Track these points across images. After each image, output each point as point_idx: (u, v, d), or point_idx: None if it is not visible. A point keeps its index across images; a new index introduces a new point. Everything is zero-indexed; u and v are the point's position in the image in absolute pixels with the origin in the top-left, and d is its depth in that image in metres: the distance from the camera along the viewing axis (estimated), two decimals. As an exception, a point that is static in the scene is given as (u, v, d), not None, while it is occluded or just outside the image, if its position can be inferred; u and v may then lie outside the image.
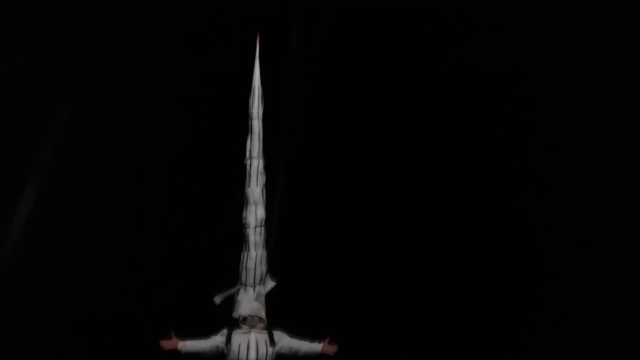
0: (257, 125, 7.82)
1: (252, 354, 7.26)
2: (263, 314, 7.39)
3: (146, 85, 9.02)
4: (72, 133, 8.98)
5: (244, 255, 7.56)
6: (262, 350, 7.29)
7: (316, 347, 7.42)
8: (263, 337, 7.31)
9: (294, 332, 7.43)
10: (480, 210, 9.18)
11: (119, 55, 9.07)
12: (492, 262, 9.06)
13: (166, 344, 7.34)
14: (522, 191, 9.20)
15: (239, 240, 7.57)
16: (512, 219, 9.17)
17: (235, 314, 7.39)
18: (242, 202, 7.67)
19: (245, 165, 7.75)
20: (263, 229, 7.63)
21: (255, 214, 7.62)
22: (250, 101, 7.88)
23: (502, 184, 9.10)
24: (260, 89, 7.92)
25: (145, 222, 8.92)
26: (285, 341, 7.38)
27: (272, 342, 7.32)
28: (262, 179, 7.71)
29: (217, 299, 7.51)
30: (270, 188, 7.76)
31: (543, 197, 9.17)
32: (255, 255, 7.53)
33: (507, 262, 9.08)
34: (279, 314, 7.54)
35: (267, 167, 7.74)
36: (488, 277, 9.05)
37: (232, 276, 7.55)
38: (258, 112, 7.84)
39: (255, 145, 7.79)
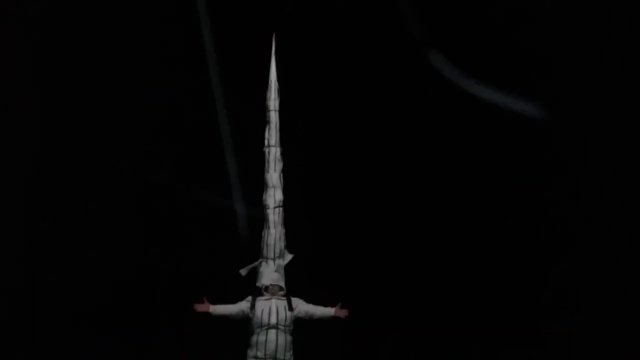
0: (274, 116, 8.08)
1: (273, 318, 7.58)
2: (282, 283, 7.71)
3: (177, 84, 9.16)
4: (104, 126, 9.02)
5: (264, 232, 7.85)
6: (282, 314, 7.62)
7: (329, 311, 7.74)
8: (282, 303, 7.64)
9: (309, 299, 7.76)
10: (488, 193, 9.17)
11: (144, 54, 9.08)
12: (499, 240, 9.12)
13: (199, 307, 7.67)
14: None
15: (261, 219, 7.89)
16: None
17: (258, 284, 7.73)
18: (262, 186, 7.94)
19: (264, 152, 8.03)
20: (281, 209, 7.88)
21: (274, 196, 7.89)
22: (268, 95, 8.14)
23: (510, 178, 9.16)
24: (277, 84, 8.15)
25: (181, 205, 9.08)
26: (302, 306, 7.70)
27: (291, 307, 7.65)
28: (279, 165, 7.99)
29: (243, 271, 7.83)
30: (286, 173, 7.97)
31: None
32: (274, 233, 7.80)
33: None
34: (297, 282, 7.82)
35: (283, 154, 8.02)
36: (494, 251, 9.12)
37: (255, 251, 7.85)
38: (275, 105, 8.11)
39: (273, 134, 8.05)
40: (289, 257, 7.87)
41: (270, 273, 7.75)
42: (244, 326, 7.70)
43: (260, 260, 7.83)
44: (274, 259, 7.79)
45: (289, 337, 7.62)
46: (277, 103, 8.15)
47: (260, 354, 7.55)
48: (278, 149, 8.06)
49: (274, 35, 8.19)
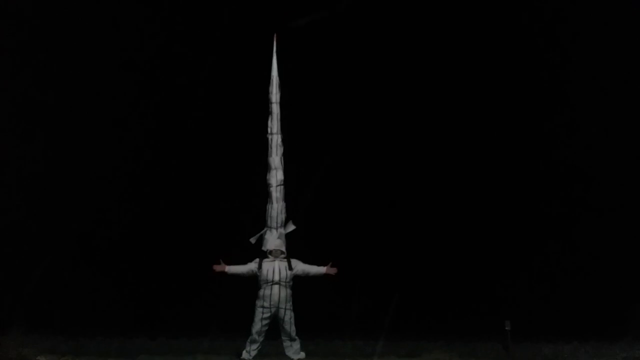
0: (275, 108, 8.86)
1: (276, 276, 8.45)
2: (284, 248, 8.58)
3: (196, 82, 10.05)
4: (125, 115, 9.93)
5: (268, 206, 8.69)
6: (283, 273, 8.49)
7: (321, 269, 8.58)
8: (284, 264, 8.50)
9: (305, 261, 8.57)
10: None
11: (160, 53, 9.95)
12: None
13: (217, 268, 8.54)
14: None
15: (265, 195, 8.69)
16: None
17: (264, 248, 8.59)
18: (266, 167, 8.75)
19: (267, 139, 8.82)
20: (282, 187, 8.67)
21: (276, 176, 8.71)
22: (270, 89, 8.92)
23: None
24: (278, 79, 8.94)
25: (200, 185, 9.96)
26: (299, 266, 8.56)
27: (290, 267, 8.50)
28: (280, 150, 8.80)
29: (252, 239, 8.64)
30: (286, 157, 8.72)
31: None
32: (277, 207, 8.62)
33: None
34: (295, 248, 8.61)
35: (284, 141, 8.79)
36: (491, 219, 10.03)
37: (260, 222, 8.66)
38: (276, 98, 8.90)
39: (274, 123, 8.83)
40: (291, 227, 8.67)
41: (273, 239, 8.67)
42: (253, 282, 8.57)
43: (265, 229, 8.70)
44: (276, 228, 8.67)
45: (289, 291, 8.56)
46: (278, 96, 8.92)
47: (266, 304, 8.50)
48: (279, 136, 8.85)
49: (274, 35, 8.96)
